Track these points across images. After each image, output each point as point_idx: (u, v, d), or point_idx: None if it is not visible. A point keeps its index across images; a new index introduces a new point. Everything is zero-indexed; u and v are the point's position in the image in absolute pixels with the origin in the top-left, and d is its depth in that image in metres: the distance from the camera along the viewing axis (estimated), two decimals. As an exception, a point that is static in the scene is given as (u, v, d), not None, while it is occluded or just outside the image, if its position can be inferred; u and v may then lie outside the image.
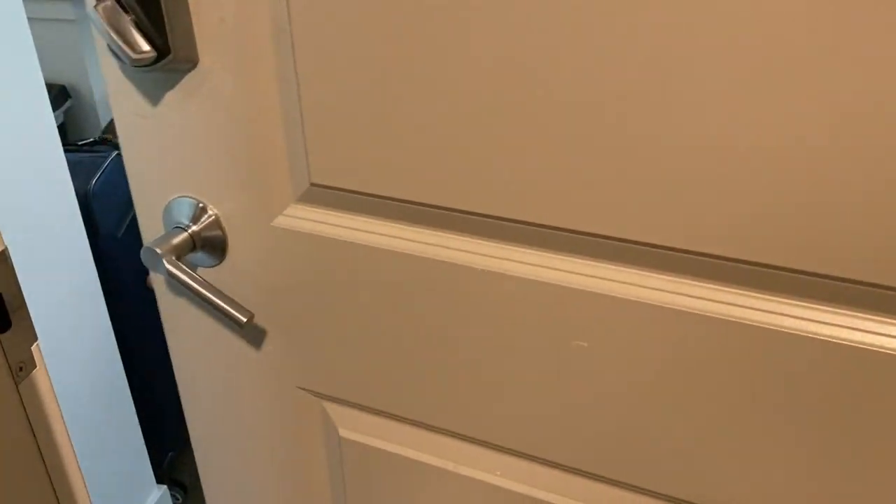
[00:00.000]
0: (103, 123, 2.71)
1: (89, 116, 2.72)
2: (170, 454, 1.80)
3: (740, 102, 0.46)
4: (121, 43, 0.55)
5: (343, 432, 0.75)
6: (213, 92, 0.60)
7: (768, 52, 0.44)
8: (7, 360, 0.60)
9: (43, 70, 1.21)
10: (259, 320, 0.71)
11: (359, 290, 0.65)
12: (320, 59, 0.55)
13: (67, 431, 0.68)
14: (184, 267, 0.63)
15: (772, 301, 0.52)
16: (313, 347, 0.70)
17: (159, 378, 1.77)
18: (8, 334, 0.61)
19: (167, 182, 0.66)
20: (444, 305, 0.62)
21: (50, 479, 0.64)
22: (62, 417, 0.67)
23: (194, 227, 0.66)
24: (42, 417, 0.64)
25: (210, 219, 0.66)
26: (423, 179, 0.57)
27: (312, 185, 0.61)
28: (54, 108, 1.68)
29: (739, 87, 0.45)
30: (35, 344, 0.64)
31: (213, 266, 0.69)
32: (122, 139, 0.66)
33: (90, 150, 1.61)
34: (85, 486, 0.71)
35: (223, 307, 0.64)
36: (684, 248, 0.52)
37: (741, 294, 0.53)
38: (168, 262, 0.63)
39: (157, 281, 0.75)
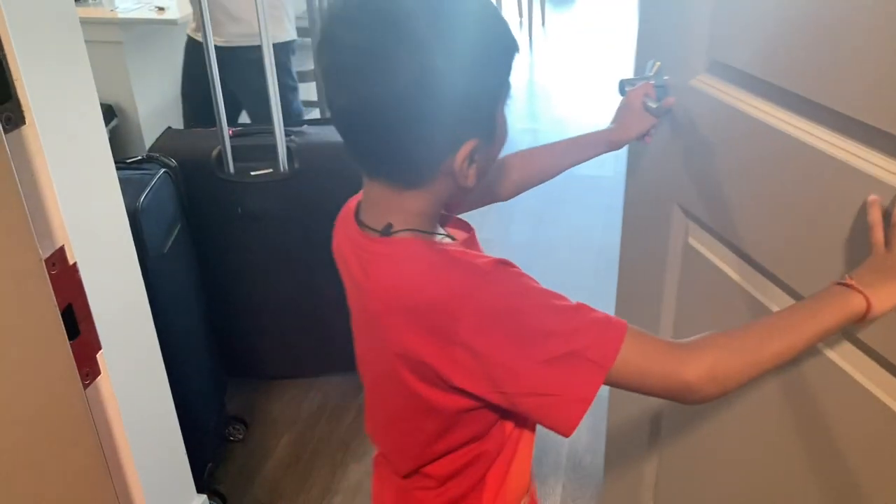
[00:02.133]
0: (147, 141, 2.79)
1: (133, 134, 2.80)
2: (209, 465, 1.84)
3: None
4: None
5: (691, 241, 1.09)
6: None
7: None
8: (76, 367, 0.64)
9: (94, 91, 1.27)
10: (666, 150, 1.09)
11: (731, 141, 0.95)
12: None
13: (126, 437, 0.72)
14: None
15: None
16: (697, 179, 1.04)
17: (200, 392, 1.81)
18: (76, 342, 0.65)
19: (650, 50, 1.10)
20: (787, 171, 0.85)
21: (112, 479, 0.67)
22: (122, 423, 0.70)
23: (652, 79, 1.08)
24: (105, 422, 0.68)
25: (662, 75, 1.07)
26: (788, 73, 0.84)
27: (715, 61, 0.96)
28: (105, 128, 1.73)
29: None
30: (100, 352, 0.68)
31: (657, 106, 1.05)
32: (640, 18, 1.14)
33: (138, 167, 1.66)
34: (140, 487, 0.75)
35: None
36: None
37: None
38: (627, 85, 1.08)
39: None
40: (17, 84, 0.55)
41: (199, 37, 2.17)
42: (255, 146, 1.94)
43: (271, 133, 1.91)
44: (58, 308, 0.61)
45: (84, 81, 1.23)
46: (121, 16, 2.62)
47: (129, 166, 1.66)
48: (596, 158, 1.07)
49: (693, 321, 1.12)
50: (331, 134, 1.98)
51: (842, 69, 0.75)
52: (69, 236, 0.63)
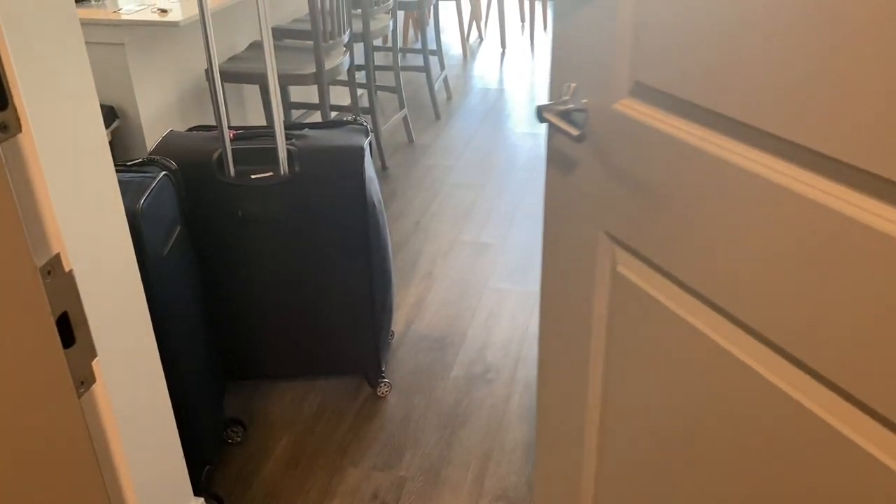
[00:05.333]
0: (149, 143, 2.79)
1: (135, 136, 2.80)
2: (207, 468, 1.84)
3: None
4: None
5: (620, 269, 1.06)
6: (598, 14, 0.93)
7: None
8: (70, 375, 0.63)
9: (99, 95, 1.27)
10: (589, 176, 1.05)
11: (658, 165, 0.92)
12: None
13: (122, 446, 0.71)
14: (551, 117, 1.02)
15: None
16: (621, 203, 1.00)
17: (198, 394, 1.81)
18: (72, 350, 0.64)
19: (566, 72, 1.04)
20: (718, 194, 0.84)
21: (107, 489, 0.67)
22: (119, 432, 0.70)
23: (570, 104, 1.04)
24: (101, 431, 0.68)
25: (581, 99, 1.03)
26: (712, 93, 0.82)
27: (638, 83, 0.92)
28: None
29: None
30: (95, 360, 0.67)
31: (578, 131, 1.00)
32: (553, 39, 1.05)
33: (138, 169, 1.66)
34: (135, 498, 0.74)
35: (566, 128, 0.99)
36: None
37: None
38: (546, 113, 1.02)
39: (547, 144, 1.13)
40: (14, 92, 0.55)
41: None
42: (255, 149, 1.94)
43: (272, 136, 1.91)
44: (52, 316, 0.60)
45: (84, 84, 1.23)
46: (123, 17, 2.63)
47: (130, 169, 1.66)
48: None
49: (625, 352, 1.09)
50: (332, 137, 1.98)
51: (766, 88, 0.75)
52: (66, 242, 0.63)
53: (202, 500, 1.73)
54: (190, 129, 2.08)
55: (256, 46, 3.40)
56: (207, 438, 1.86)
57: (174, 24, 2.60)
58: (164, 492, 1.59)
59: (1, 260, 0.54)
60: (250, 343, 2.14)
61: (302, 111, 3.85)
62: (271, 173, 1.91)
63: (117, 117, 2.73)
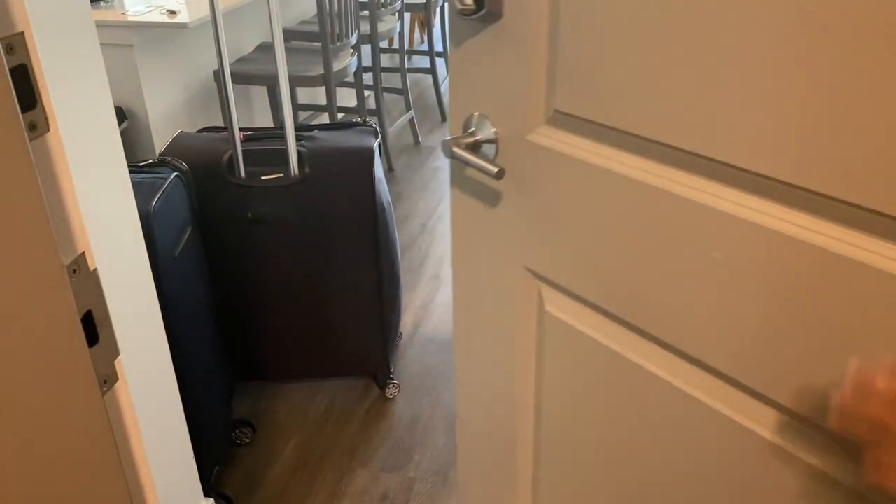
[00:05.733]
0: (157, 144, 2.80)
1: (144, 137, 2.81)
2: (216, 468, 1.84)
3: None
4: None
5: (549, 308, 0.98)
6: (506, 39, 0.86)
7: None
8: (94, 374, 0.64)
9: (113, 95, 1.27)
10: (508, 211, 0.96)
11: (578, 197, 0.87)
12: (577, 18, 0.79)
13: (143, 445, 0.72)
14: (462, 152, 0.91)
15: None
16: (540, 238, 0.94)
17: (208, 395, 1.81)
18: (95, 348, 0.65)
19: (469, 101, 0.95)
20: (642, 219, 0.80)
21: (128, 488, 0.67)
22: (139, 431, 0.70)
23: (479, 135, 0.95)
24: (122, 430, 0.68)
25: (490, 130, 0.94)
26: (640, 117, 0.77)
27: (556, 111, 0.86)
28: (117, 131, 1.74)
29: None
30: (118, 358, 0.68)
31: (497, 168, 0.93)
32: (451, 68, 0.97)
33: (150, 170, 1.67)
34: (156, 495, 0.74)
35: (483, 164, 0.89)
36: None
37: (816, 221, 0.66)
38: (455, 148, 0.92)
39: (452, 177, 1.04)
40: (42, 91, 0.55)
41: None
42: (266, 151, 1.94)
43: (282, 138, 1.91)
44: (78, 314, 0.61)
45: (99, 85, 1.23)
46: (132, 19, 2.63)
47: (141, 169, 1.66)
48: None
49: (559, 397, 1.02)
50: (342, 139, 1.98)
51: (692, 110, 0.71)
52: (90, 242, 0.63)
53: (212, 500, 1.73)
54: (199, 131, 2.09)
55: (264, 48, 3.40)
56: (217, 439, 1.86)
57: (183, 26, 2.61)
58: (174, 492, 1.59)
59: (29, 258, 0.54)
60: (259, 344, 2.14)
61: (309, 113, 3.86)
62: (281, 175, 1.91)
63: (126, 118, 2.74)
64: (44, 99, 0.56)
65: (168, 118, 2.86)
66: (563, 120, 0.86)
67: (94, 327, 0.64)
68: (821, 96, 0.61)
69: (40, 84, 0.56)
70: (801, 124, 0.63)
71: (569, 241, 0.90)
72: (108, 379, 0.66)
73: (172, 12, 2.70)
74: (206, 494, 1.73)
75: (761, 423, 0.77)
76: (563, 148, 0.86)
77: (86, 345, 0.61)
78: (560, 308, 0.96)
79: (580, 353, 0.95)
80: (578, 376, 0.97)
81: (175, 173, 1.66)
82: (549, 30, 0.82)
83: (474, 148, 0.95)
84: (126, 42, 2.63)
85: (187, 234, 1.70)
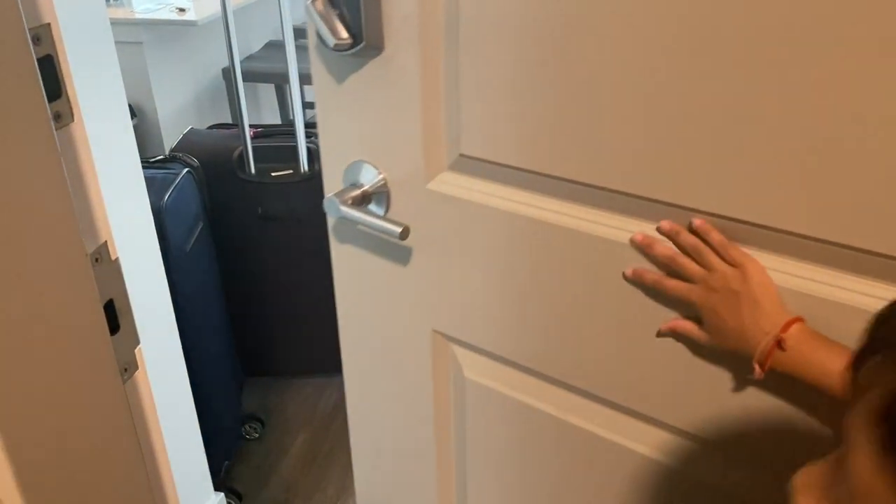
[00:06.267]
0: (166, 141, 2.81)
1: (153, 134, 2.82)
2: (226, 463, 1.85)
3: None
4: (327, 30, 0.71)
5: (467, 373, 0.88)
6: (391, 75, 0.74)
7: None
8: (116, 362, 0.64)
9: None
10: (408, 268, 0.85)
11: (490, 247, 0.78)
12: (480, 53, 0.69)
13: (162, 433, 0.72)
14: (353, 211, 0.80)
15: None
16: (449, 296, 0.84)
17: (218, 390, 1.82)
18: (117, 337, 0.65)
19: (349, 148, 0.83)
20: (560, 265, 0.74)
21: (147, 474, 0.68)
22: (158, 420, 0.71)
23: (366, 186, 0.83)
24: (142, 416, 0.69)
25: (380, 180, 0.82)
26: (551, 157, 0.71)
27: (461, 155, 0.76)
28: (129, 127, 1.75)
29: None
30: (138, 347, 0.68)
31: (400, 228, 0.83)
32: (319, 110, 0.85)
33: (161, 166, 1.68)
34: (173, 482, 0.75)
35: (383, 225, 0.78)
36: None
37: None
38: (343, 206, 0.80)
39: (333, 231, 0.91)
40: (67, 81, 0.56)
41: None
42: (276, 147, 1.95)
43: (292, 134, 1.92)
44: (100, 302, 0.61)
45: (114, 81, 1.24)
46: (141, 16, 2.64)
47: (153, 165, 1.67)
48: None
49: (485, 466, 0.94)
50: (351, 135, 1.99)
51: (606, 147, 0.68)
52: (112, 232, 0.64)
53: (222, 495, 1.74)
54: (209, 128, 2.10)
55: (272, 46, 3.41)
56: (226, 434, 1.87)
57: (192, 23, 2.62)
58: (185, 486, 1.60)
59: (54, 246, 0.55)
60: (268, 339, 2.15)
61: (316, 110, 3.86)
62: (291, 171, 1.92)
63: (135, 115, 2.75)
64: (69, 89, 0.57)
65: (177, 115, 2.87)
66: (469, 165, 0.76)
67: (115, 316, 0.65)
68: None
69: (65, 75, 0.56)
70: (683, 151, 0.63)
71: (481, 294, 0.81)
72: (128, 367, 0.67)
73: (181, 10, 2.71)
74: (216, 489, 1.74)
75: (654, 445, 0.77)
76: (470, 196, 0.76)
77: (108, 333, 0.62)
78: (475, 370, 0.87)
79: (504, 417, 0.87)
80: (504, 442, 0.90)
81: (186, 169, 1.67)
82: (445, 63, 0.71)
83: (362, 201, 0.83)
84: (135, 39, 2.64)
85: (199, 230, 1.71)
